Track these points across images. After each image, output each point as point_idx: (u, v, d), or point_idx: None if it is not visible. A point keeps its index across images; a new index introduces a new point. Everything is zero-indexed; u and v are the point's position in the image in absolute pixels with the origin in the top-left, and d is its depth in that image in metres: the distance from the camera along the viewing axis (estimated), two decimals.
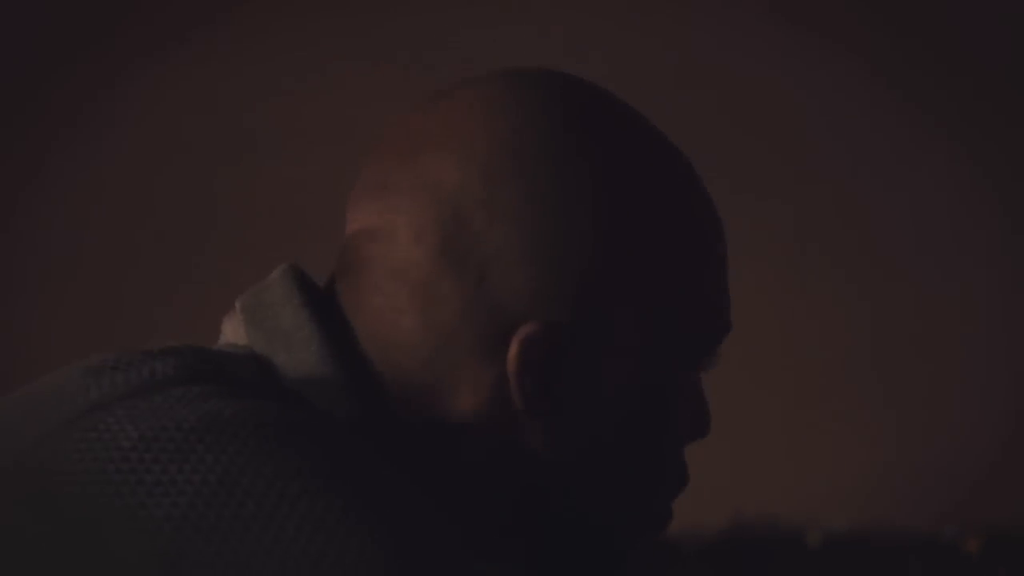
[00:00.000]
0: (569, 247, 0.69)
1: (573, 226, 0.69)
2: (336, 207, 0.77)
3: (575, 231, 0.69)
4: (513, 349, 0.68)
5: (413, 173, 0.70)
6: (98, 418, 0.61)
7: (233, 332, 0.71)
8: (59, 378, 0.65)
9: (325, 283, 0.74)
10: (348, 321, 0.70)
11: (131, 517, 0.57)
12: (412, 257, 0.70)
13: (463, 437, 0.69)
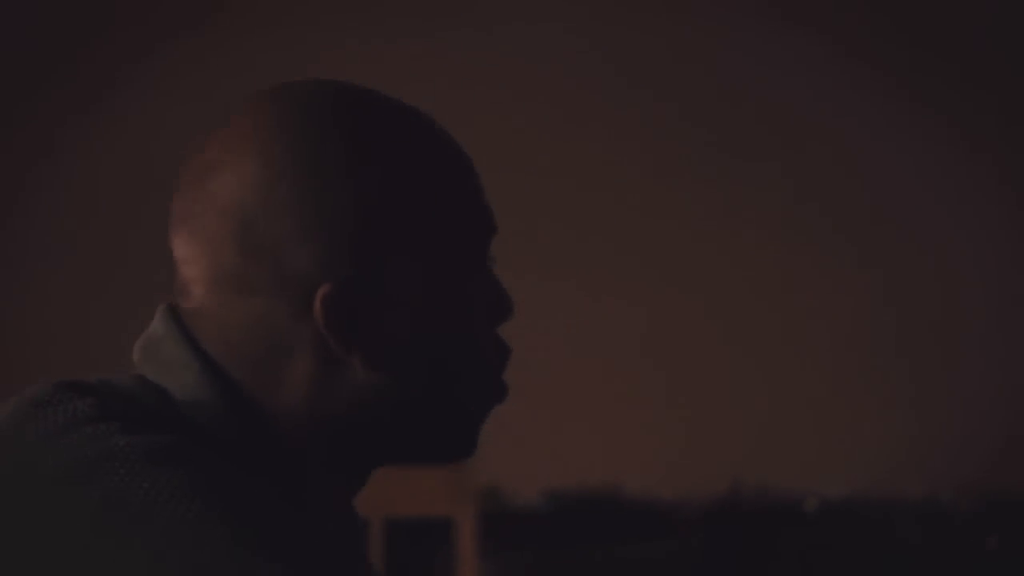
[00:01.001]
0: (336, 218, 0.90)
1: (337, 201, 0.90)
2: None
3: (339, 204, 0.90)
4: (317, 308, 0.90)
5: (203, 199, 0.91)
6: (33, 451, 0.85)
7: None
8: (11, 407, 0.89)
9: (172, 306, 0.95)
10: (201, 336, 0.92)
11: (55, 519, 0.81)
12: (222, 267, 0.91)
13: (310, 390, 0.91)
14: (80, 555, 0.82)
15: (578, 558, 55.79)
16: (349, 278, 0.91)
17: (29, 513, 0.84)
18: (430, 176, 0.95)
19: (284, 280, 0.91)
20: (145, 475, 0.83)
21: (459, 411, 0.97)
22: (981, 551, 74.20)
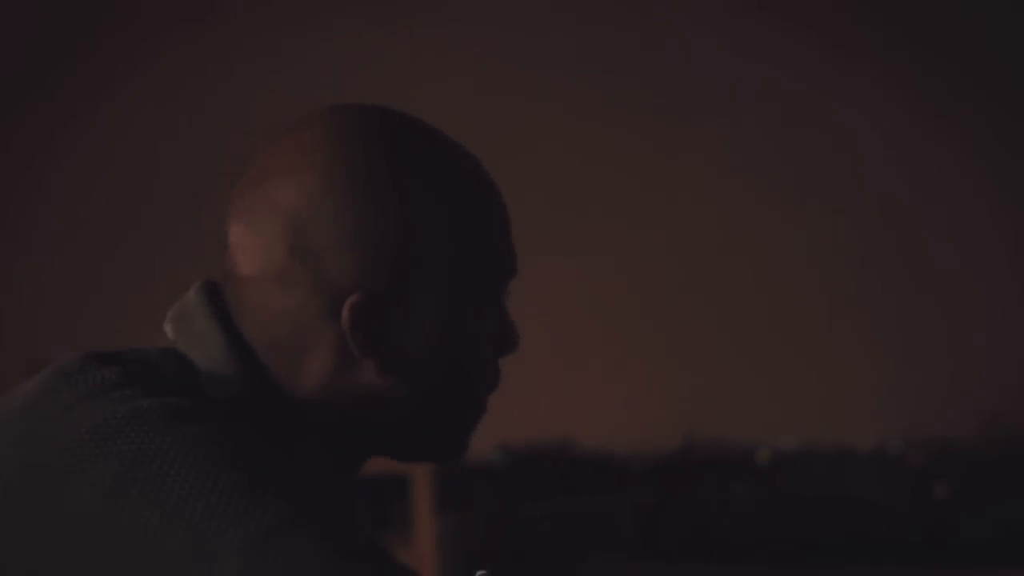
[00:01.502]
0: (375, 238, 1.04)
1: (378, 222, 1.04)
2: None
3: (379, 226, 1.04)
4: (345, 314, 1.04)
5: (263, 199, 1.06)
6: (66, 412, 0.96)
7: (171, 333, 1.07)
8: (43, 377, 1.02)
9: (217, 285, 1.08)
10: (236, 315, 1.06)
11: (86, 471, 0.93)
12: (271, 260, 1.05)
13: (325, 382, 1.06)
14: (110, 504, 0.93)
15: (533, 512, 56.51)
16: (377, 293, 1.07)
17: (63, 469, 0.95)
18: (464, 213, 1.09)
19: (321, 283, 1.06)
20: (167, 431, 0.97)
21: (451, 423, 1.14)
22: (929, 500, 76.50)
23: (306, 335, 1.07)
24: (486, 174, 1.11)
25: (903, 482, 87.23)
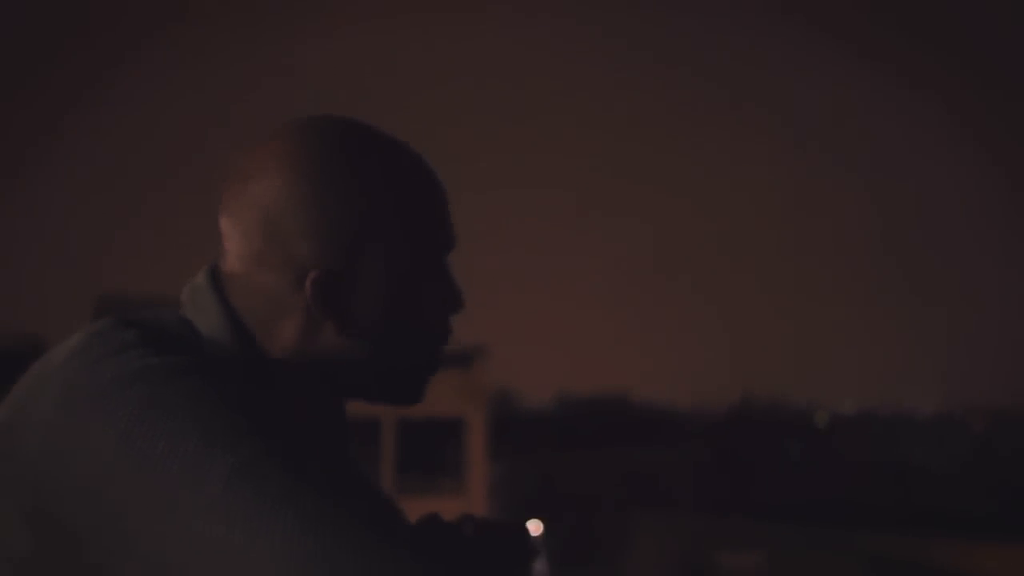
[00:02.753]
0: (330, 226, 1.24)
1: (334, 213, 1.24)
2: None
3: (335, 215, 1.24)
4: (307, 287, 1.24)
5: (243, 197, 1.26)
6: (92, 370, 1.15)
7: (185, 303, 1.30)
8: (75, 336, 1.23)
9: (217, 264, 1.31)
10: (227, 290, 1.28)
11: (107, 412, 1.12)
12: (250, 246, 1.26)
13: (297, 342, 1.26)
14: (125, 437, 1.13)
15: (587, 462, 56.86)
16: (333, 269, 1.26)
17: (91, 409, 1.15)
18: (407, 202, 1.30)
19: (289, 262, 1.27)
20: (170, 382, 1.16)
21: (405, 374, 1.33)
22: (995, 463, 75.42)
23: (280, 305, 1.28)
24: (426, 168, 1.33)
25: (962, 450, 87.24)
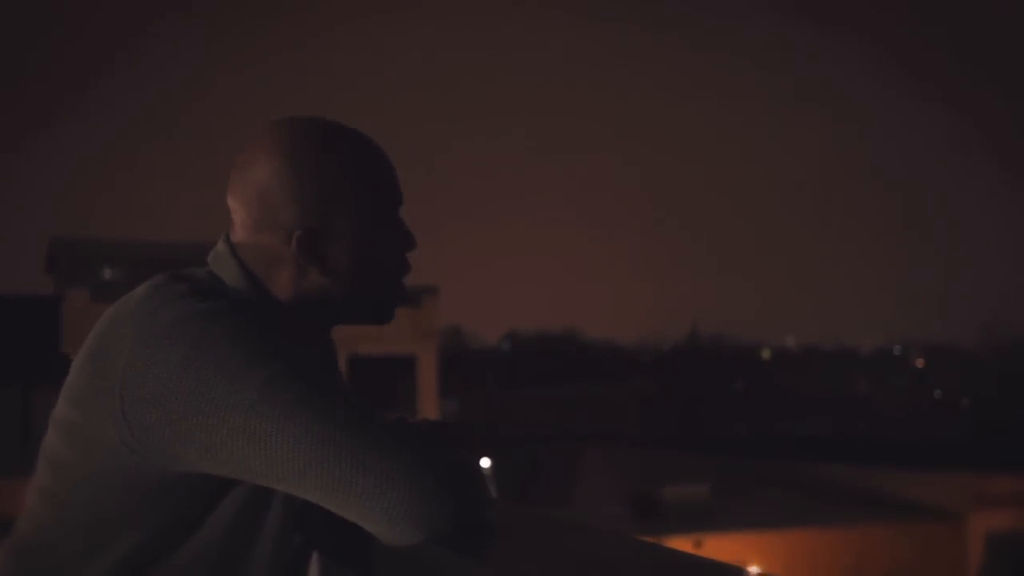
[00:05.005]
0: (310, 196, 1.65)
1: (310, 187, 1.65)
2: None
3: (311, 189, 1.65)
4: (294, 243, 1.65)
5: (242, 180, 1.69)
6: (157, 313, 1.57)
7: (212, 263, 1.73)
8: (140, 288, 1.65)
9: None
10: (239, 250, 1.69)
11: (169, 343, 1.52)
12: (251, 215, 1.68)
13: (291, 285, 1.68)
14: (186, 363, 1.52)
15: (535, 397, 57.48)
16: (312, 228, 1.67)
17: (160, 341, 1.55)
18: (364, 175, 1.71)
19: (280, 225, 1.68)
20: (217, 321, 1.56)
21: (377, 300, 1.76)
22: (930, 400, 76.98)
23: (276, 259, 1.70)
24: (376, 147, 1.76)
25: (902, 383, 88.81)
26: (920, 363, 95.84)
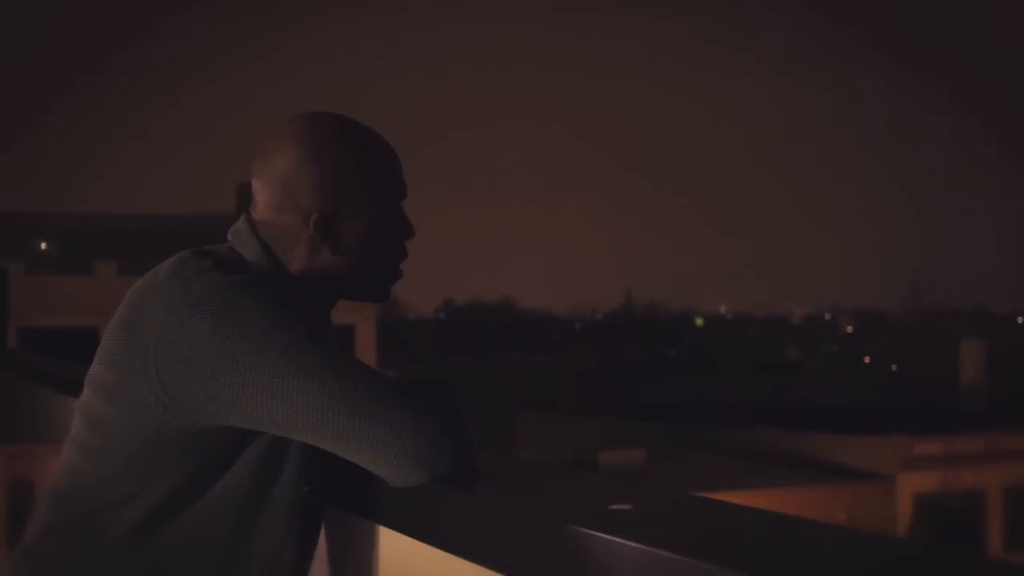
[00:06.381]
0: (326, 182, 1.86)
1: (327, 174, 1.86)
2: None
3: (327, 176, 1.86)
4: (311, 224, 1.86)
5: (267, 165, 1.89)
6: (186, 285, 1.76)
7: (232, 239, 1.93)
8: (169, 262, 1.86)
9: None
10: (259, 229, 1.89)
11: (199, 311, 1.72)
12: (273, 198, 1.89)
13: (306, 262, 1.89)
14: (213, 329, 1.72)
15: (470, 367, 57.69)
16: (327, 211, 1.88)
17: (190, 310, 1.74)
18: (373, 166, 1.92)
19: (298, 208, 1.88)
20: (241, 292, 1.75)
21: (378, 279, 1.96)
22: (859, 365, 78.28)
23: (293, 237, 1.89)
24: (387, 144, 1.96)
25: (832, 350, 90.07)
26: (849, 329, 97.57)
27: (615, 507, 1.47)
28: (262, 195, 1.91)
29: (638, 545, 1.29)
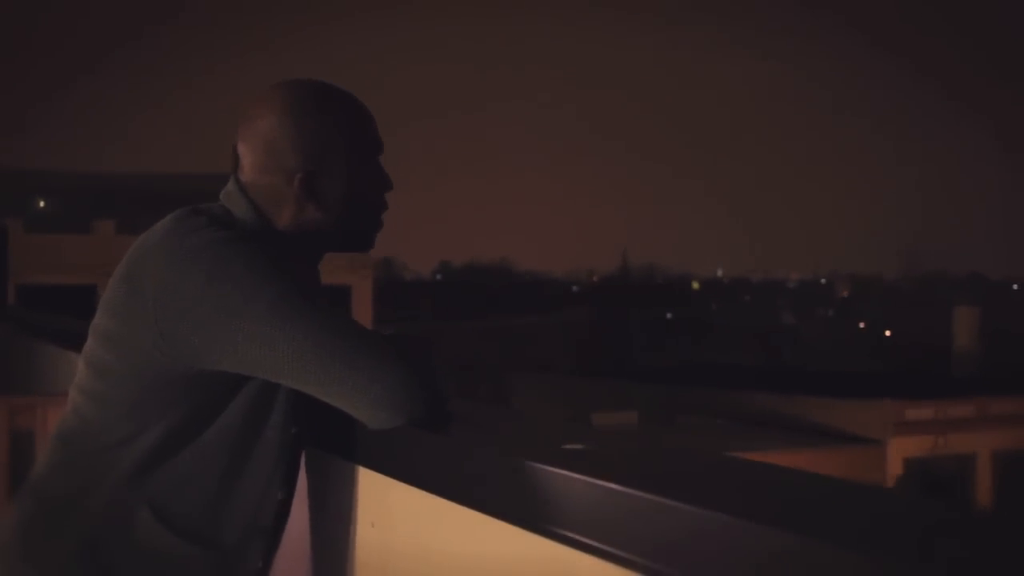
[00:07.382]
0: (307, 143, 2.00)
1: (308, 135, 2.00)
2: None
3: (309, 137, 2.00)
4: (295, 183, 2.00)
5: (250, 129, 2.02)
6: (182, 240, 1.89)
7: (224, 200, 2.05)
8: (165, 220, 1.99)
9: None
10: (247, 189, 2.02)
11: (194, 265, 1.85)
12: (258, 159, 2.02)
13: (293, 218, 2.02)
14: (207, 281, 1.83)
15: (466, 328, 57.83)
16: (310, 170, 2.00)
17: (184, 268, 1.85)
18: (349, 126, 2.04)
19: (283, 168, 2.00)
20: (233, 247, 1.87)
21: (362, 231, 2.09)
22: (854, 330, 78.51)
23: (279, 196, 2.02)
24: (361, 104, 2.09)
25: (827, 315, 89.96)
26: (845, 294, 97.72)
27: (568, 447, 1.61)
28: (248, 158, 2.02)
29: (587, 478, 1.43)
